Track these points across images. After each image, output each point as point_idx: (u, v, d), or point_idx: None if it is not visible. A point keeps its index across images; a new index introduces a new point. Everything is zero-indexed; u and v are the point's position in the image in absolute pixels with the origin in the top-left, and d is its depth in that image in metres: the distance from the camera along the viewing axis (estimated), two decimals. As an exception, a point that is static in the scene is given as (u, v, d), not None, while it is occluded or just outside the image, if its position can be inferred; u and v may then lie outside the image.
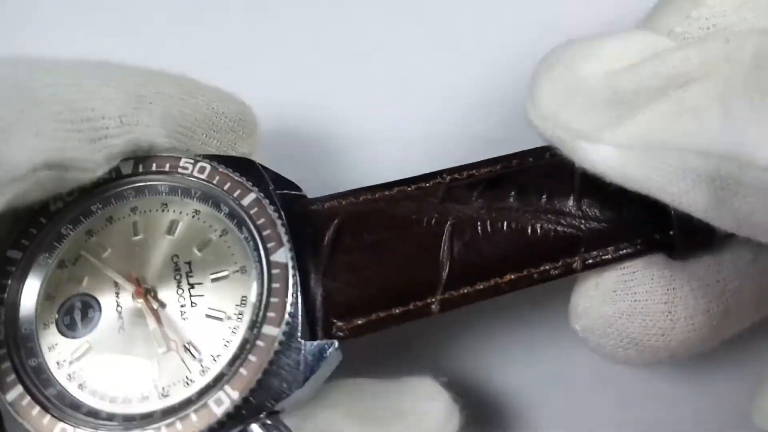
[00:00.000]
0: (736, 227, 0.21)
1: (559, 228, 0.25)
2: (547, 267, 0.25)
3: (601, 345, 0.26)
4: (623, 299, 0.25)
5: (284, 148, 0.33)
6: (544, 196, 0.26)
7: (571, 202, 0.25)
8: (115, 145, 0.24)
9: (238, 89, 0.27)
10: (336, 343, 0.24)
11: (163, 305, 0.24)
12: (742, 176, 0.20)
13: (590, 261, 0.25)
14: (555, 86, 0.23)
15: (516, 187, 0.26)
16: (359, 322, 0.25)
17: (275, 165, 0.26)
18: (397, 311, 0.25)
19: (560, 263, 0.25)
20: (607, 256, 0.25)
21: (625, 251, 0.25)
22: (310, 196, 0.26)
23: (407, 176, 0.26)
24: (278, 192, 0.25)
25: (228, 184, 0.25)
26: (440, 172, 0.26)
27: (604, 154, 0.22)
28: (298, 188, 0.26)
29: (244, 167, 0.25)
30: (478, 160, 0.27)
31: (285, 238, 0.24)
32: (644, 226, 0.25)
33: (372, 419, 0.25)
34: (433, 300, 0.25)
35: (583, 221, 0.25)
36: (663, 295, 0.25)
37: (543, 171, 0.26)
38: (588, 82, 0.23)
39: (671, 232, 0.25)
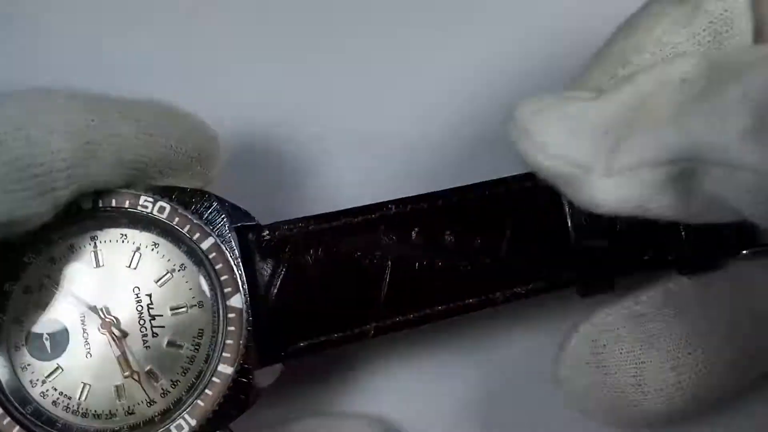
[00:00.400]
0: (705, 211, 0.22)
1: (484, 265, 0.28)
2: (471, 300, 0.28)
3: (584, 410, 0.28)
4: (596, 372, 0.27)
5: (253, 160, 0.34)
6: (478, 238, 0.28)
7: (497, 241, 0.28)
8: (62, 195, 0.24)
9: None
10: (281, 365, 0.27)
11: (125, 334, 0.26)
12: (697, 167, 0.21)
13: (509, 294, 0.28)
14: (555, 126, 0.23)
15: (452, 224, 0.28)
16: (302, 344, 0.28)
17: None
18: (337, 336, 0.28)
19: (483, 297, 0.28)
20: (521, 291, 0.28)
21: (539, 286, 0.28)
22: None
23: (360, 203, 0.29)
24: (234, 226, 0.27)
25: (188, 227, 0.26)
26: (386, 204, 0.28)
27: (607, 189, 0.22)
28: (252, 218, 0.28)
29: (201, 201, 0.27)
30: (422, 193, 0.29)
31: (241, 284, 0.26)
32: (556, 266, 0.28)
33: None
34: (369, 326, 0.28)
35: (505, 260, 0.28)
36: (632, 368, 0.27)
37: (478, 209, 0.29)
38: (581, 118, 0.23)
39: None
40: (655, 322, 0.27)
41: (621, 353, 0.27)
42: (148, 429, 0.26)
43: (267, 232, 0.28)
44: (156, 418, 0.26)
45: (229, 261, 0.26)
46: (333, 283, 0.28)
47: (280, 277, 0.27)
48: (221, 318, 0.26)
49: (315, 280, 0.28)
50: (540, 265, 0.28)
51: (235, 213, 0.27)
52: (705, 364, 0.27)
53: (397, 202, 0.28)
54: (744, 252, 0.28)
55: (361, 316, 0.28)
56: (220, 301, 0.26)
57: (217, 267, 0.26)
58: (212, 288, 0.26)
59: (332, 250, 0.28)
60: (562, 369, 0.28)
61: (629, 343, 0.27)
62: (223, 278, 0.26)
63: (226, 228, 0.27)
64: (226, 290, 0.26)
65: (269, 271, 0.27)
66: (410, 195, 0.29)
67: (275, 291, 0.27)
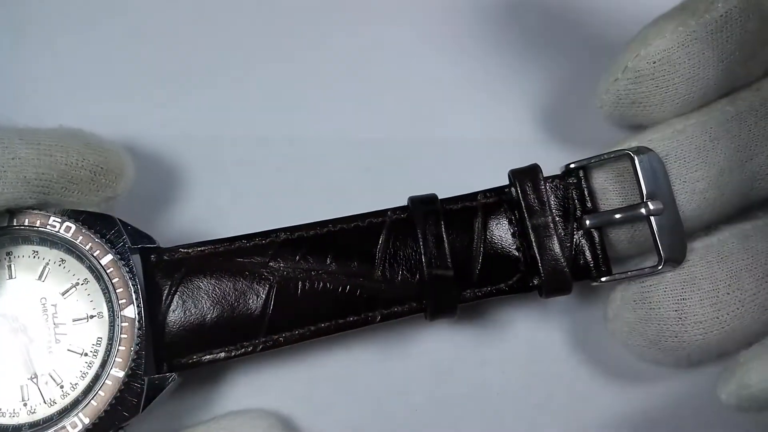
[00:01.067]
0: None
1: (363, 288, 0.31)
2: (351, 318, 0.31)
3: (628, 345, 0.32)
4: (641, 307, 0.31)
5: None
6: (355, 262, 0.31)
7: (374, 266, 0.31)
8: None
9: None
10: (174, 375, 0.30)
11: (31, 340, 0.30)
12: None
13: (386, 313, 0.31)
14: None
15: (333, 249, 0.32)
16: (194, 358, 0.30)
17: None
18: (227, 349, 0.31)
19: (362, 315, 0.31)
20: (399, 310, 0.31)
21: (413, 306, 0.32)
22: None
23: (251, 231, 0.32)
24: (134, 246, 0.30)
25: (89, 245, 0.30)
26: (276, 231, 0.32)
27: None
28: (153, 241, 0.31)
29: (106, 224, 0.30)
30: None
31: (134, 297, 0.29)
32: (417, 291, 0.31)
33: None
34: (257, 341, 0.31)
35: (382, 284, 0.31)
36: (674, 303, 0.31)
37: (356, 236, 0.32)
38: None
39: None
40: (698, 267, 0.31)
41: (665, 291, 0.31)
42: (47, 426, 0.29)
43: (167, 254, 0.31)
44: (55, 417, 0.29)
45: (124, 276, 0.29)
46: (223, 301, 0.31)
47: (174, 294, 0.31)
48: (116, 326, 0.29)
49: (206, 299, 0.31)
50: (408, 289, 0.31)
51: (136, 235, 0.30)
52: (741, 304, 0.31)
53: (285, 229, 0.32)
54: (602, 280, 0.32)
55: (249, 333, 0.31)
56: (116, 311, 0.29)
57: (114, 281, 0.29)
58: (109, 300, 0.30)
59: (224, 272, 0.31)
60: (611, 309, 0.32)
61: (673, 283, 0.31)
62: (118, 290, 0.29)
63: (126, 248, 0.30)
64: (121, 301, 0.29)
65: (166, 289, 0.31)
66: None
67: (170, 307, 0.30)
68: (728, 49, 0.31)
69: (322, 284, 0.31)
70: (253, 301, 0.31)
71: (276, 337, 0.31)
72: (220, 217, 0.35)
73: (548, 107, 0.37)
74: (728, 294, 0.31)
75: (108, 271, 0.29)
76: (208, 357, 0.31)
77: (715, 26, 0.31)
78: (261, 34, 0.38)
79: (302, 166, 0.36)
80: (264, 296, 0.31)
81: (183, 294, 0.31)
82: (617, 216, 0.32)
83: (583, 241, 0.32)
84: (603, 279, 0.32)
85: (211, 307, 0.31)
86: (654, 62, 0.31)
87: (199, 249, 0.31)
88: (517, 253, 0.32)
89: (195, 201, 0.36)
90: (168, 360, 0.30)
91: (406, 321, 0.33)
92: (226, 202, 0.36)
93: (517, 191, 0.32)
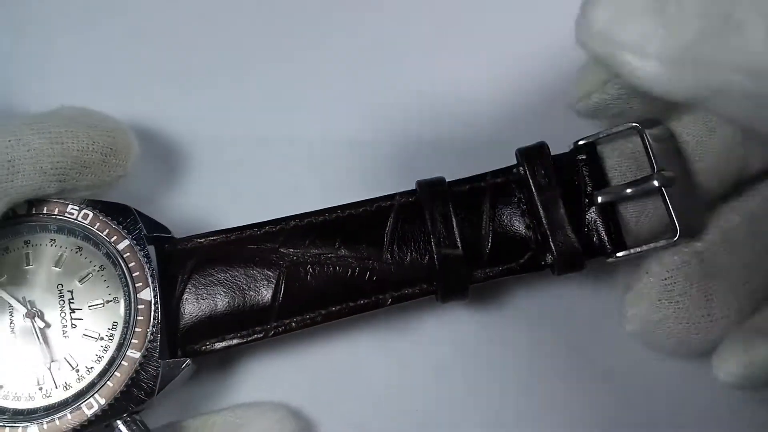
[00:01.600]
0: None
1: (372, 271, 0.32)
2: (362, 301, 0.32)
3: (650, 342, 0.31)
4: (668, 307, 0.30)
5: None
6: (363, 245, 0.32)
7: (383, 249, 0.32)
8: None
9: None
10: (189, 361, 0.30)
11: (48, 325, 0.30)
12: None
13: (396, 295, 0.32)
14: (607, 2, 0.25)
15: (342, 234, 0.32)
16: (207, 344, 0.31)
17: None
18: (239, 335, 0.31)
19: (372, 298, 0.32)
20: (410, 292, 0.32)
21: (424, 287, 0.32)
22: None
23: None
24: (150, 235, 0.31)
25: (106, 231, 0.31)
26: (285, 218, 0.33)
27: (650, 70, 0.24)
28: (168, 231, 0.32)
29: (122, 213, 0.31)
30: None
31: (150, 280, 0.30)
32: (435, 274, 0.32)
33: None
34: (268, 326, 0.32)
35: (392, 266, 0.32)
36: (702, 299, 0.30)
37: (365, 221, 0.33)
38: None
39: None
40: (719, 256, 0.31)
41: (691, 287, 0.30)
42: (62, 409, 0.29)
43: (180, 244, 0.32)
44: (70, 400, 0.29)
45: (140, 260, 0.30)
46: (235, 288, 0.32)
47: (188, 282, 0.32)
48: (132, 309, 0.30)
49: (218, 286, 0.32)
50: (418, 270, 0.32)
51: (151, 224, 0.31)
52: (760, 292, 0.31)
53: (294, 217, 0.33)
54: (617, 255, 0.31)
55: (261, 319, 0.32)
56: (132, 294, 0.30)
57: (131, 265, 0.30)
58: (125, 285, 0.30)
59: (235, 259, 0.32)
60: (630, 309, 0.31)
61: (698, 277, 0.30)
62: (135, 274, 0.30)
63: (142, 235, 0.31)
64: (137, 284, 0.30)
65: (180, 277, 0.32)
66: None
67: (183, 294, 0.31)
68: None
69: (331, 268, 0.32)
70: (264, 287, 0.32)
71: (287, 321, 0.32)
72: (220, 217, 0.36)
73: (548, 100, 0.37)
74: (744, 285, 0.31)
75: (124, 256, 0.30)
76: (221, 344, 0.31)
77: None
78: (261, 34, 0.39)
79: (302, 166, 0.37)
80: (275, 282, 0.32)
81: (196, 281, 0.32)
82: (629, 191, 0.31)
83: (595, 216, 0.32)
84: (619, 254, 0.31)
85: (223, 294, 0.32)
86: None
87: (211, 238, 0.32)
88: (527, 231, 0.32)
89: (195, 201, 0.37)
90: (182, 346, 0.31)
91: (414, 313, 0.35)
92: (226, 201, 0.36)
93: (524, 170, 0.32)
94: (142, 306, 0.30)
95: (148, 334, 0.30)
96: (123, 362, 0.29)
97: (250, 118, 0.38)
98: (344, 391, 0.35)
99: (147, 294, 0.30)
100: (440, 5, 0.40)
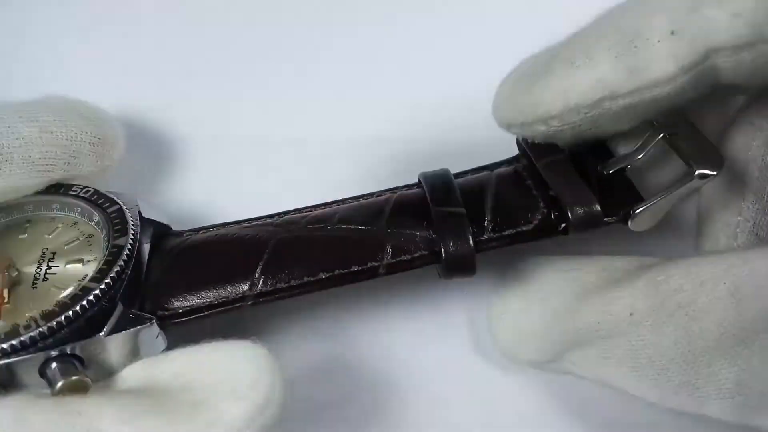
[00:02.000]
0: None
1: (367, 236, 0.30)
2: (355, 268, 0.29)
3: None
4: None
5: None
6: (360, 218, 0.31)
7: (380, 218, 0.31)
8: None
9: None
10: (154, 320, 0.28)
11: (20, 282, 0.30)
12: None
13: (393, 262, 0.29)
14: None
15: (337, 213, 0.31)
16: (180, 309, 0.29)
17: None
18: (215, 302, 0.29)
19: (367, 265, 0.30)
20: (408, 258, 0.30)
21: (423, 255, 0.30)
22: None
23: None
24: (148, 219, 0.31)
25: (102, 199, 0.31)
26: (285, 211, 0.32)
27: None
28: (167, 226, 0.32)
29: (124, 198, 0.31)
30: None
31: (131, 231, 0.30)
32: (435, 239, 0.30)
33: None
34: (249, 294, 0.29)
35: (388, 229, 0.30)
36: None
37: (364, 207, 0.32)
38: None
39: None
40: None
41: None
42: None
43: (179, 234, 0.32)
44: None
45: (127, 219, 0.30)
46: (219, 259, 0.30)
47: (175, 256, 0.31)
48: (104, 253, 0.29)
49: (203, 258, 0.31)
50: (417, 233, 0.30)
51: (151, 220, 0.32)
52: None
53: (294, 210, 0.32)
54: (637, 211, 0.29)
55: (240, 284, 0.29)
56: (109, 241, 0.30)
57: (115, 220, 0.30)
58: (107, 240, 0.30)
59: (226, 237, 0.31)
60: None
61: None
62: (116, 227, 0.30)
63: (138, 212, 0.31)
64: (114, 234, 0.30)
65: (167, 250, 0.31)
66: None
67: (167, 266, 0.30)
68: None
69: (323, 234, 0.30)
70: (250, 255, 0.30)
71: (270, 289, 0.29)
72: (220, 216, 0.35)
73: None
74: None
75: (112, 215, 0.30)
76: (194, 309, 0.29)
77: None
78: (261, 34, 0.40)
79: (302, 166, 0.37)
80: (260, 250, 0.30)
81: (181, 255, 0.31)
82: (635, 150, 0.30)
83: (605, 174, 0.30)
84: (638, 210, 0.29)
85: (206, 262, 0.30)
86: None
87: (205, 230, 0.32)
88: (535, 192, 0.31)
89: (195, 201, 0.37)
90: (153, 306, 0.29)
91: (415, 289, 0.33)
92: (226, 201, 0.36)
93: (525, 144, 0.31)
94: (114, 250, 0.29)
95: (113, 272, 0.28)
96: (78, 292, 0.28)
97: (250, 118, 0.38)
98: (336, 370, 0.33)
99: (122, 241, 0.29)
100: (440, 5, 0.40)
